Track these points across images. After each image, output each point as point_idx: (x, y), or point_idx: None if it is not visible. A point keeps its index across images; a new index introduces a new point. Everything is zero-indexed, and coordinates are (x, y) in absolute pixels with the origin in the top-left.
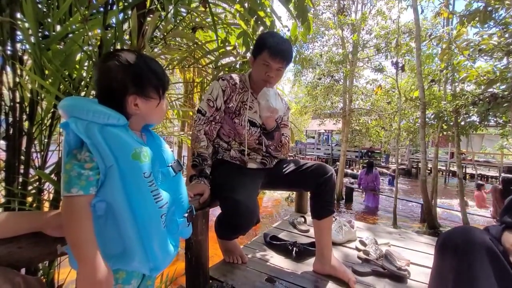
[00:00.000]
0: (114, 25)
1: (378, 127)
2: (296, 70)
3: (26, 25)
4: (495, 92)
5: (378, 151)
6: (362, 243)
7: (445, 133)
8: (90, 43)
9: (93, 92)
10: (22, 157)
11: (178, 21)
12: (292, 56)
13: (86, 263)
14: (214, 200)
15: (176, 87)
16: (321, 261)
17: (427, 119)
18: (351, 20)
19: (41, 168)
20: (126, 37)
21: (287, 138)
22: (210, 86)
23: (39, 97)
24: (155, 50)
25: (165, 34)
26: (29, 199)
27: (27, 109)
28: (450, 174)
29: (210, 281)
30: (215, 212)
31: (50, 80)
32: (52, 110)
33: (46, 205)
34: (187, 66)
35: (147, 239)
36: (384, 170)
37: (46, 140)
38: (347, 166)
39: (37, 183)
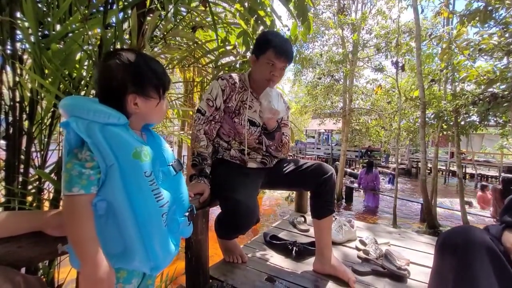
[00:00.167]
0: (114, 24)
1: (378, 127)
2: (296, 69)
3: (26, 24)
4: (495, 91)
5: (377, 151)
6: (362, 242)
7: (445, 132)
8: (90, 42)
9: (93, 91)
10: (22, 157)
11: (178, 21)
12: (293, 55)
13: (88, 262)
14: (214, 199)
15: (176, 86)
16: (321, 261)
17: (427, 119)
18: (351, 20)
19: (41, 167)
20: (126, 36)
21: (287, 138)
22: (210, 85)
23: (39, 97)
24: (155, 49)
25: (165, 33)
26: (29, 198)
27: (27, 109)
28: (450, 173)
29: (210, 280)
30: (215, 211)
31: (50, 80)
32: (52, 109)
33: (46, 205)
34: (187, 65)
35: (148, 238)
36: (385, 170)
37: (46, 139)
38: (347, 166)
39: (37, 182)
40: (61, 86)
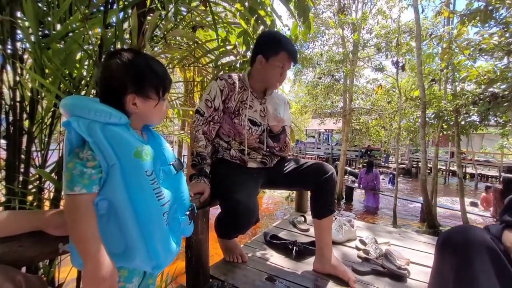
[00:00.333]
0: (114, 24)
1: (378, 127)
2: (296, 69)
3: (26, 24)
4: (495, 91)
5: (377, 151)
6: (362, 242)
7: (445, 132)
8: (90, 42)
9: (93, 91)
10: (23, 156)
11: (178, 20)
12: None
13: (90, 260)
14: (214, 199)
15: (177, 86)
16: (321, 260)
17: (427, 119)
18: (351, 19)
19: (41, 167)
20: (126, 36)
21: (288, 137)
22: (208, 86)
23: (39, 96)
24: (156, 49)
25: (166, 33)
26: (30, 198)
27: (28, 108)
28: (450, 173)
29: (210, 280)
30: (215, 211)
31: (50, 79)
32: (52, 109)
33: (47, 204)
34: (187, 65)
35: (149, 237)
36: (385, 170)
37: (46, 139)
38: (347, 165)
39: (38, 182)
40: (61, 85)
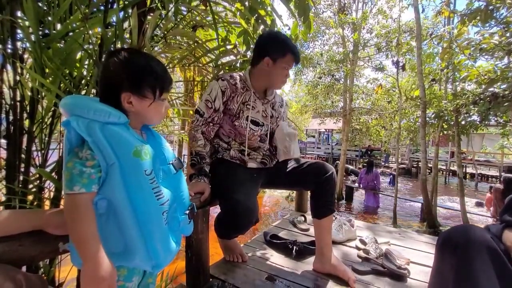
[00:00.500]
0: (114, 23)
1: (379, 126)
2: (296, 69)
3: (27, 23)
4: (495, 91)
5: (377, 150)
6: (362, 242)
7: (445, 132)
8: (90, 41)
9: (93, 90)
10: (23, 156)
11: (178, 20)
12: None
13: (89, 260)
14: (214, 199)
15: (177, 85)
16: (321, 260)
17: (427, 119)
18: (351, 19)
19: (41, 166)
20: (127, 35)
21: None
22: (209, 86)
23: (39, 96)
24: (156, 48)
25: (166, 32)
26: (30, 197)
27: (28, 108)
28: (450, 173)
29: (211, 279)
30: (215, 211)
31: (50, 79)
32: (52, 108)
33: (47, 203)
34: (187, 64)
35: (149, 236)
36: (386, 170)
37: (46, 138)
38: (348, 164)
39: (38, 181)
40: (61, 85)
